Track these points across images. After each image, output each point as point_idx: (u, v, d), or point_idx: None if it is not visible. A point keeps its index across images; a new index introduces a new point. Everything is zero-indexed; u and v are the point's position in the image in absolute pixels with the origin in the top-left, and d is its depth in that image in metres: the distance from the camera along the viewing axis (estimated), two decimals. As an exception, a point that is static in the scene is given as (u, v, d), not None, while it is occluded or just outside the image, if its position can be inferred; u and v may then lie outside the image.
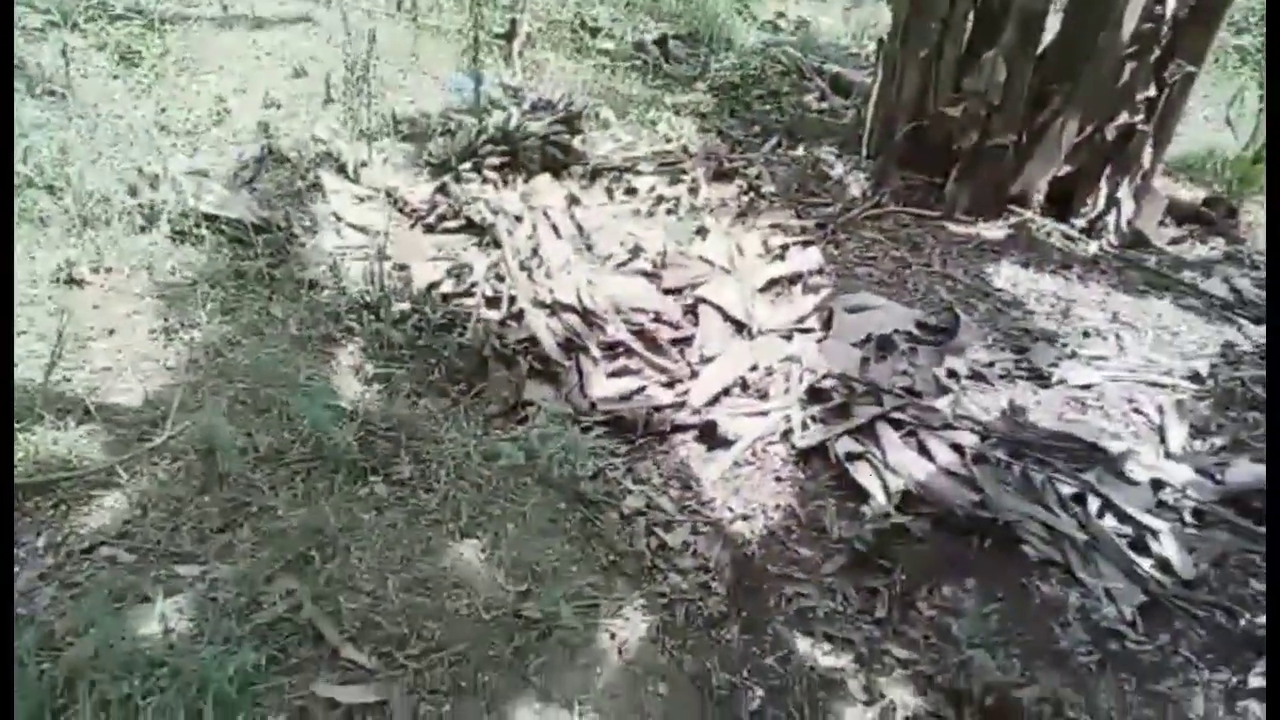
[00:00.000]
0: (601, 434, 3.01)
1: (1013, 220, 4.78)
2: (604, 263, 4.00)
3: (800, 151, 5.47)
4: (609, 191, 4.76)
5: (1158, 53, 4.53)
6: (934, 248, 4.44)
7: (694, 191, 4.77)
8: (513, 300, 3.57)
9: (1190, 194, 5.49)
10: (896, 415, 3.03)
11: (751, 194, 4.89)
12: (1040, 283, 4.23)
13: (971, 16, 5.04)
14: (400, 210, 4.26)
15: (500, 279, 3.73)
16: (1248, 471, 2.83)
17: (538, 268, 3.83)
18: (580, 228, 4.25)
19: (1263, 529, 2.61)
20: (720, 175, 5.07)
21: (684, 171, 4.98)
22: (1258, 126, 5.31)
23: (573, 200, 4.51)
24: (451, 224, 4.20)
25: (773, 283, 3.98)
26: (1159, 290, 4.40)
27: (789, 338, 3.55)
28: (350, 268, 3.64)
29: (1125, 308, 4.12)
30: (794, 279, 4.02)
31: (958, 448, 2.90)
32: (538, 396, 3.17)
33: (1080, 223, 4.78)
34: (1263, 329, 4.10)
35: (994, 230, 4.72)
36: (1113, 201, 4.71)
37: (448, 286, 3.70)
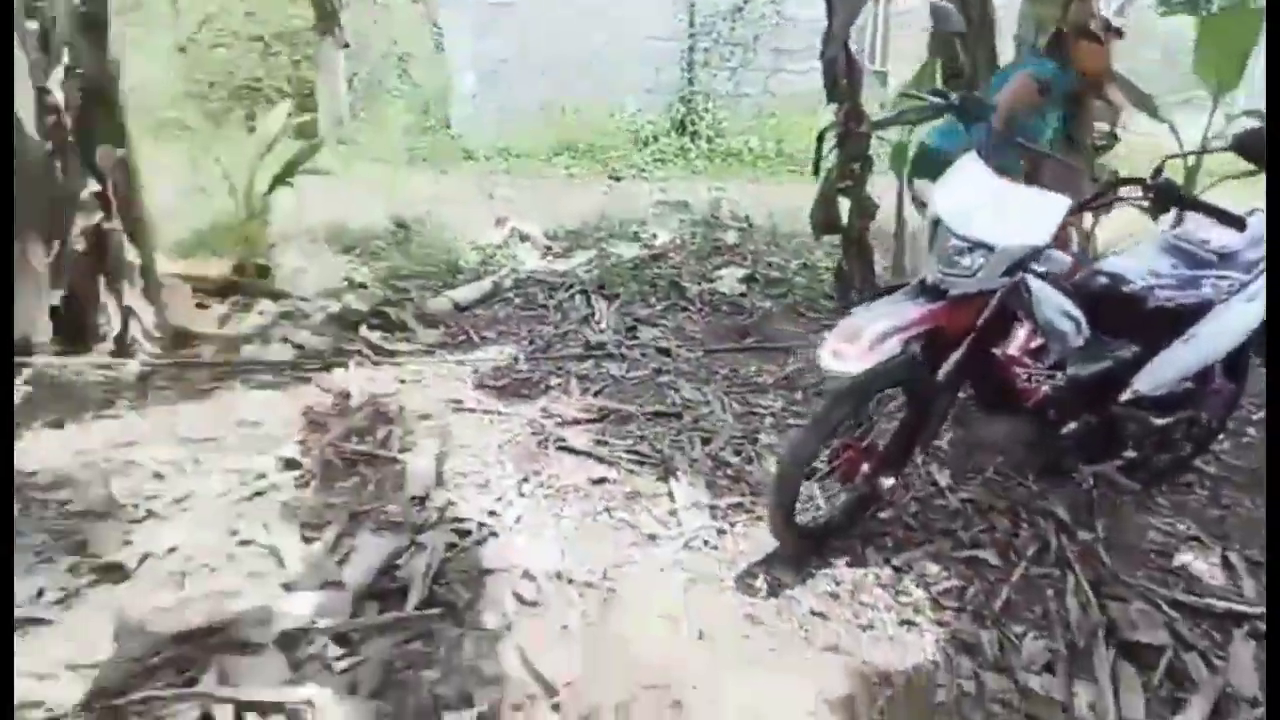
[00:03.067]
0: None
1: (25, 375, 3.73)
2: None
3: None
4: None
5: (75, 144, 3.93)
6: (-90, 464, 3.14)
7: None
8: None
9: (219, 268, 5.20)
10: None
11: None
12: (85, 438, 3.34)
13: None
14: None
15: None
16: (366, 559, 2.55)
17: None
18: None
19: (399, 612, 2.36)
20: None
21: None
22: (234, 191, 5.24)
23: None
24: None
25: None
26: (227, 381, 3.97)
27: None
28: None
29: (196, 420, 3.54)
30: None
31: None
32: None
33: (107, 346, 4.01)
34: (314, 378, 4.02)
35: (0, 399, 3.62)
36: (127, 311, 4.04)
37: None
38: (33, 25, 3.84)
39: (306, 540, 2.72)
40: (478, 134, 10.57)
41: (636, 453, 3.39)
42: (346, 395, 3.81)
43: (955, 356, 2.44)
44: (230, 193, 5.44)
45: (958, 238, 2.33)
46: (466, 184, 8.68)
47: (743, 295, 5.35)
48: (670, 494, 3.06)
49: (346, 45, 10.18)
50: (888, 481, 2.69)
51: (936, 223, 2.40)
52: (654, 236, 6.65)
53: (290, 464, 3.19)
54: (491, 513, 2.90)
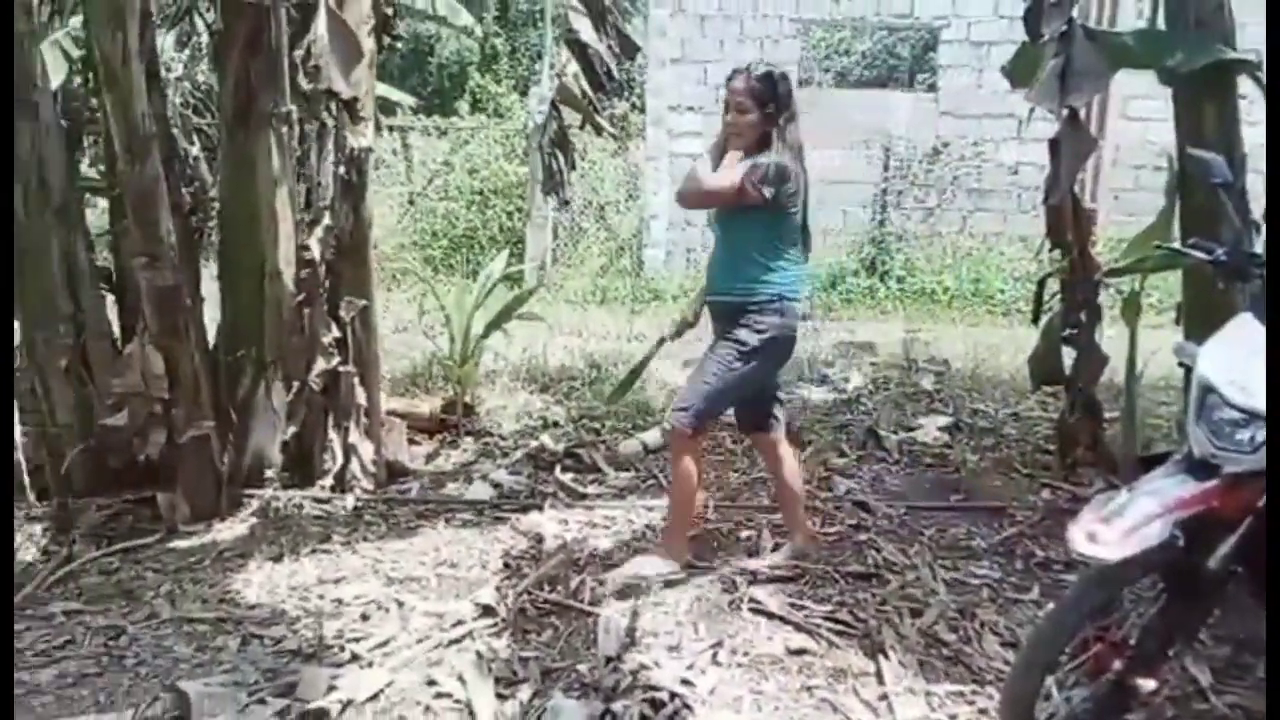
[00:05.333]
0: None
1: (253, 507, 4.05)
2: None
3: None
4: None
5: (325, 294, 4.35)
6: (158, 589, 3.41)
7: None
8: None
9: (429, 405, 5.52)
10: None
11: None
12: (301, 573, 3.53)
13: (114, 308, 4.31)
14: None
15: None
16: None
17: None
18: None
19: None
20: None
21: None
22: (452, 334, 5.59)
23: None
24: None
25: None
26: (431, 519, 4.11)
27: None
28: None
29: (400, 559, 3.67)
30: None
31: None
32: None
33: (328, 481, 4.29)
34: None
35: (234, 528, 3.92)
36: (349, 448, 4.33)
37: None
38: (300, 187, 4.33)
39: (501, 696, 2.68)
40: (667, 276, 10.94)
41: (837, 620, 3.15)
42: (540, 539, 3.83)
43: (1231, 541, 2.11)
44: (449, 336, 5.76)
45: (1234, 409, 2.04)
46: (655, 324, 8.89)
47: (947, 446, 5.03)
48: (878, 674, 2.79)
49: (567, 203, 10.95)
50: (1147, 684, 2.32)
51: (1207, 390, 2.13)
52: (845, 380, 6.47)
53: (487, 610, 3.20)
54: (685, 681, 2.75)
